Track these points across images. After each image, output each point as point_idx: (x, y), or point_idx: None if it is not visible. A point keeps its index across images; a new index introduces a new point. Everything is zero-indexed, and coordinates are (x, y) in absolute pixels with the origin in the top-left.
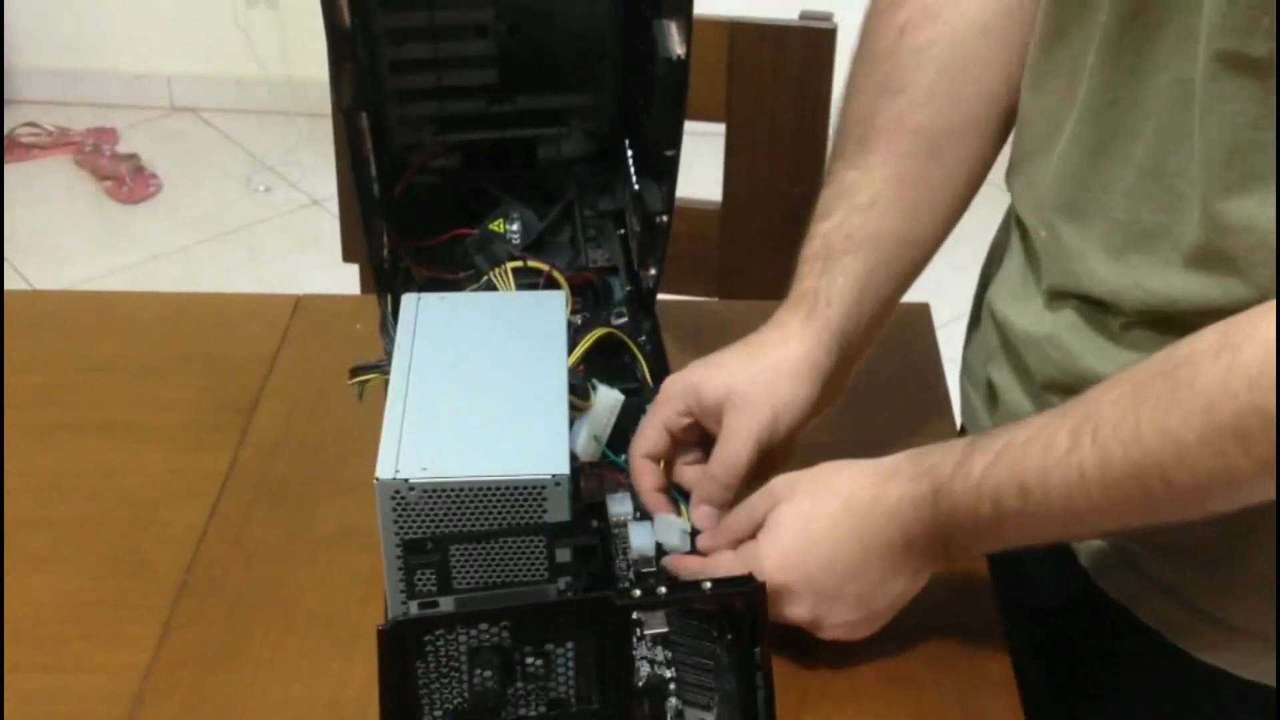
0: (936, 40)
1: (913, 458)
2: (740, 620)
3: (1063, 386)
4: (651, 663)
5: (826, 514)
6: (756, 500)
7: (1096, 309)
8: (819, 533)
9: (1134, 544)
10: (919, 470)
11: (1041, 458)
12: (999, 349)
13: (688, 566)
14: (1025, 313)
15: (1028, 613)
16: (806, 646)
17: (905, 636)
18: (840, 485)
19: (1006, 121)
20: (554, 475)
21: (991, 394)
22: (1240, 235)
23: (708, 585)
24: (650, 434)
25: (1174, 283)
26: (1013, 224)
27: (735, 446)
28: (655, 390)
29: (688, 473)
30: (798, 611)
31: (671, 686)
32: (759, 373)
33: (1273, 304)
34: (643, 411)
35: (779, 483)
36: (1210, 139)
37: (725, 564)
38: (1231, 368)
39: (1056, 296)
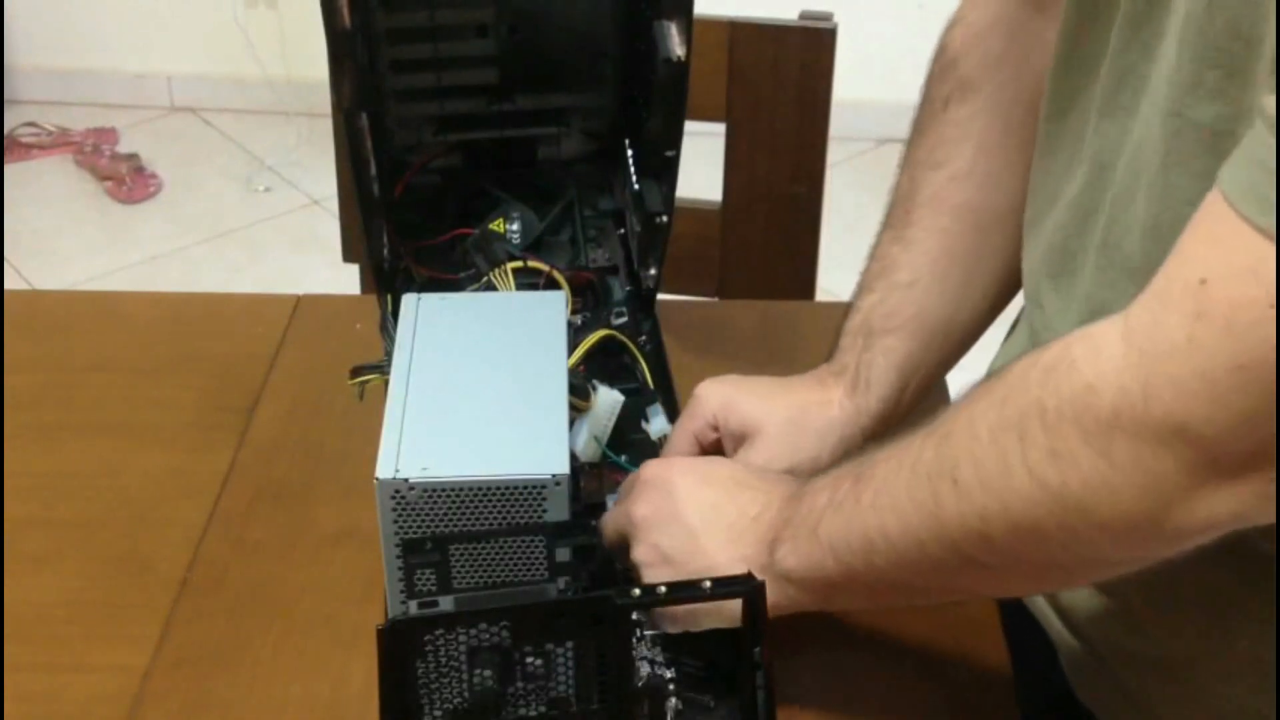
0: (977, 115)
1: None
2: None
3: None
4: (651, 663)
5: (703, 472)
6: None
7: None
8: (693, 473)
9: (1109, 651)
10: (789, 482)
11: (887, 449)
12: None
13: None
14: None
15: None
16: (806, 646)
17: (905, 637)
18: (725, 461)
19: None
20: (554, 475)
21: None
22: None
23: (707, 585)
24: (681, 443)
25: None
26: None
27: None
28: (656, 391)
29: None
30: (639, 551)
31: (671, 687)
32: (791, 422)
33: (1096, 325)
34: (642, 413)
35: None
36: (1157, 211)
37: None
38: (1034, 364)
39: None
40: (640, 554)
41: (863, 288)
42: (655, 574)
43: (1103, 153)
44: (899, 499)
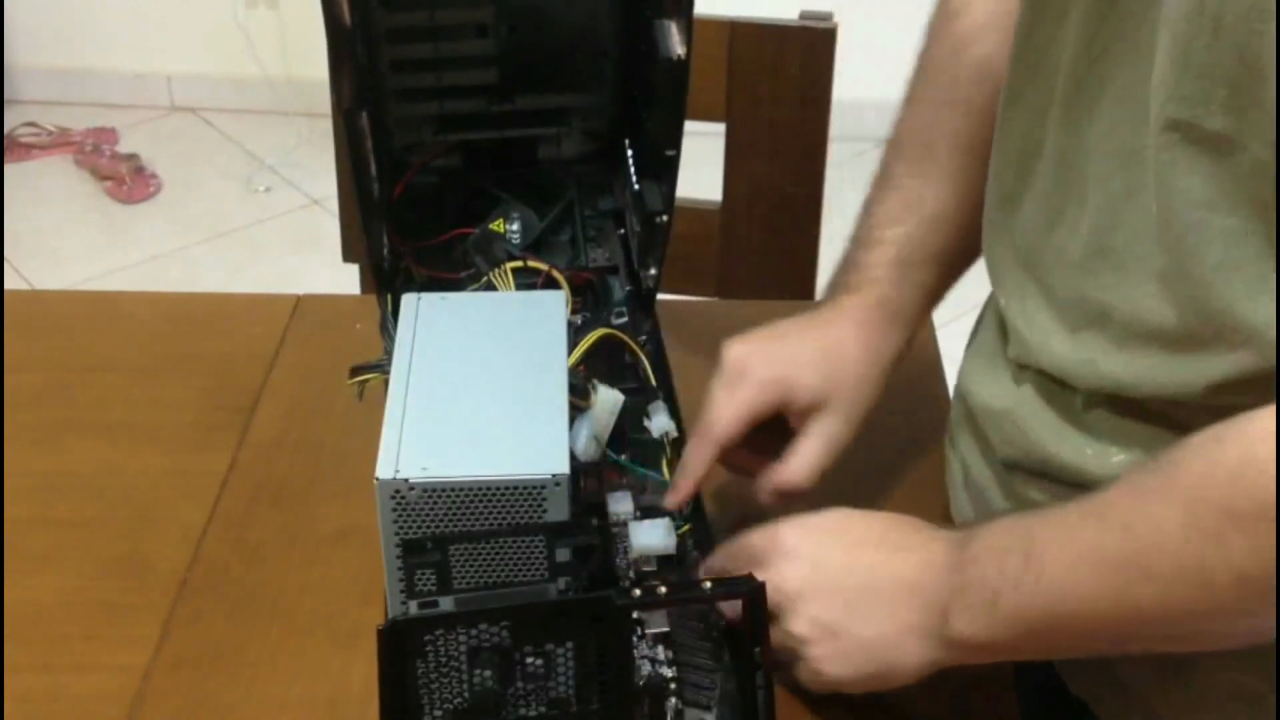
0: (994, 55)
1: (931, 527)
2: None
3: (1024, 468)
4: (652, 662)
5: (844, 533)
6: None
7: (1056, 385)
8: (836, 538)
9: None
10: (954, 532)
11: (1046, 527)
12: (964, 419)
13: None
14: (992, 383)
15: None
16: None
17: None
18: (878, 515)
19: None
20: (554, 475)
21: (964, 464)
22: (1213, 319)
23: (708, 585)
24: (732, 424)
25: (1128, 365)
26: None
27: (818, 451)
28: (657, 390)
29: (742, 459)
30: (797, 625)
31: (671, 686)
32: (859, 379)
33: (1269, 408)
34: (643, 412)
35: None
36: (1165, 214)
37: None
38: (1216, 464)
39: (1021, 368)
40: (798, 628)
41: (889, 218)
42: (820, 649)
43: (1068, 153)
44: (1085, 586)
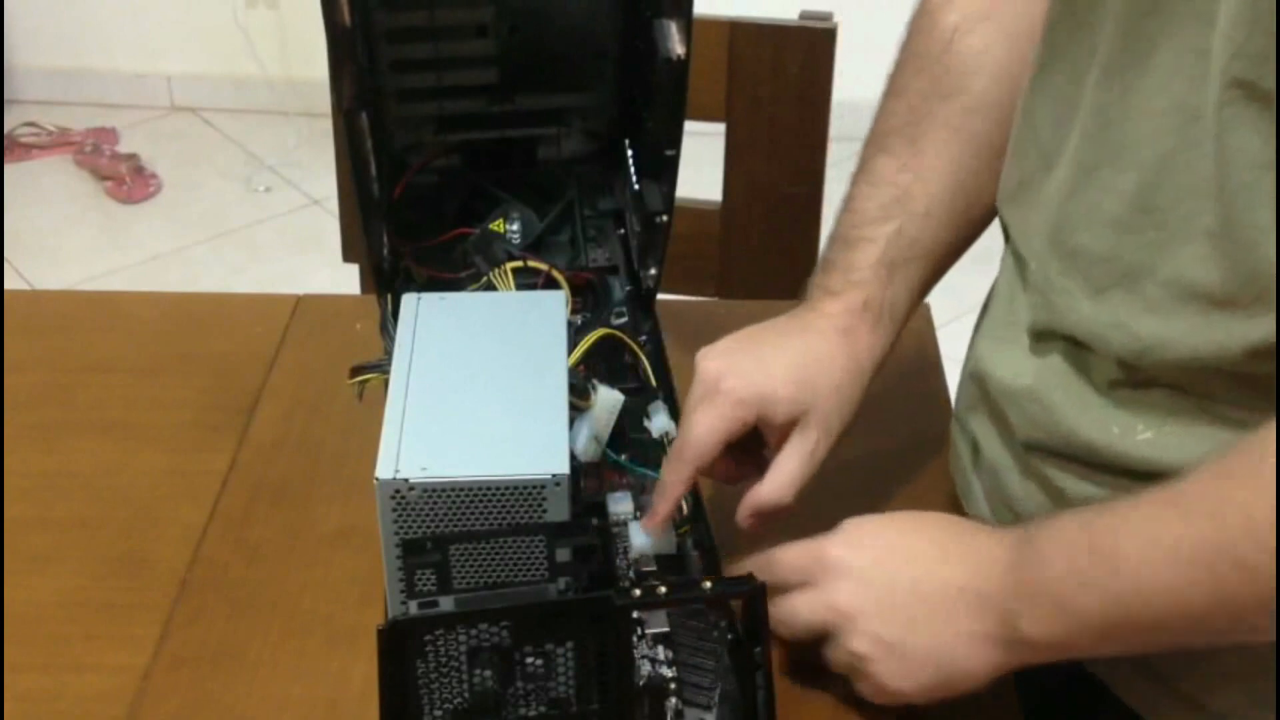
0: (990, 46)
1: (1000, 526)
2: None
3: (1045, 449)
4: (652, 661)
5: (893, 544)
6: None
7: (1081, 353)
8: (886, 550)
9: None
10: (1005, 530)
11: (1117, 521)
12: (980, 401)
13: (755, 558)
14: (1007, 360)
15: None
16: (806, 646)
17: None
18: (932, 513)
19: None
20: (554, 475)
21: (975, 447)
22: (1257, 280)
23: (708, 585)
24: (708, 446)
25: (1163, 326)
26: (1004, 260)
27: (797, 469)
28: (657, 390)
29: (722, 469)
30: (858, 644)
31: (672, 686)
32: (837, 389)
33: None
34: (643, 412)
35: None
36: (1220, 173)
37: (790, 559)
38: None
39: (1041, 338)
40: (859, 647)
41: (878, 215)
42: (883, 666)
43: (1107, 109)
44: (1167, 579)
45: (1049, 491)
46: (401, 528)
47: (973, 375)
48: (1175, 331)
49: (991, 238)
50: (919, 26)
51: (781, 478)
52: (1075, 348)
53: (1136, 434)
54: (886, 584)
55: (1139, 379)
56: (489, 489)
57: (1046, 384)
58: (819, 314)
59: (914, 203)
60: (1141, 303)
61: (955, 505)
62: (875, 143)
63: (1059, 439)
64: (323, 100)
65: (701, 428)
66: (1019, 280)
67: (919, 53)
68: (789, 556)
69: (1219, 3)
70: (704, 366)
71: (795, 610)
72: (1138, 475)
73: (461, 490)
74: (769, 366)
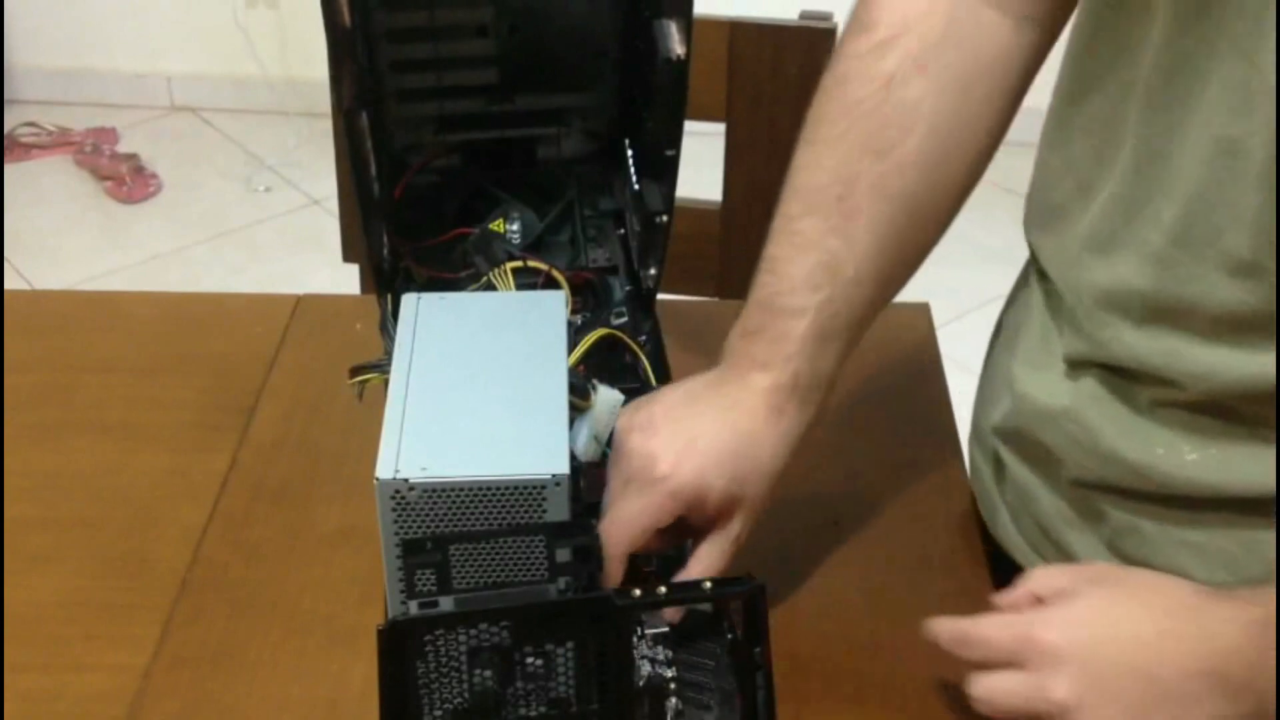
0: (925, 98)
1: (1253, 588)
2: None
3: (1092, 484)
4: (652, 662)
5: (1111, 625)
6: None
7: (1121, 379)
8: (1104, 631)
9: None
10: (1258, 594)
11: None
12: (1011, 418)
13: (949, 629)
14: (1043, 382)
15: None
16: (806, 646)
17: (906, 640)
18: (1154, 582)
19: (976, 179)
20: (554, 475)
21: (998, 463)
22: None
23: (707, 585)
24: (640, 537)
25: (1208, 356)
26: (1033, 282)
27: (720, 558)
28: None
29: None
30: (1057, 690)
31: (672, 686)
32: (761, 474)
33: None
34: None
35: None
36: (1266, 205)
37: (997, 633)
38: None
39: (1077, 365)
40: None
41: (799, 283)
42: None
43: (1153, 141)
44: None
45: (1086, 513)
46: (401, 528)
47: (1002, 394)
48: (1228, 360)
49: (992, 236)
50: (849, 73)
51: (700, 568)
52: (1112, 373)
53: (1184, 455)
54: (1113, 674)
55: (1184, 401)
56: (489, 489)
57: (1085, 405)
58: (748, 389)
59: (844, 269)
60: (1188, 331)
61: (955, 505)
62: (800, 199)
63: (1099, 459)
64: (323, 100)
65: (635, 519)
66: (1050, 308)
67: (850, 101)
68: (993, 635)
69: (1268, 40)
70: (632, 444)
71: (1007, 693)
72: (1180, 497)
73: (461, 490)
74: (702, 453)
